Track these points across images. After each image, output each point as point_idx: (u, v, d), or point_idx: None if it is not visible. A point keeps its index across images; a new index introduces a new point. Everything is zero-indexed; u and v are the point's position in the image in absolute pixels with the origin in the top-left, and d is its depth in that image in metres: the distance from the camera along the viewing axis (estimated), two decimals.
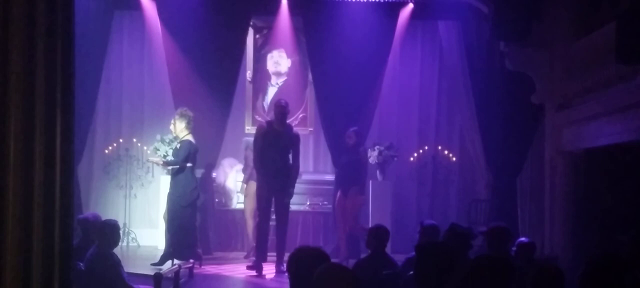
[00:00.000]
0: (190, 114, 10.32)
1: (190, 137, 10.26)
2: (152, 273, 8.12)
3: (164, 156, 10.98)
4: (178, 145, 10.28)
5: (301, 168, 12.85)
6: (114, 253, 7.01)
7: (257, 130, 10.54)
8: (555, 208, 10.91)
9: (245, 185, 11.67)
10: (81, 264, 6.70)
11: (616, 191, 9.74)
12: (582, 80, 10.07)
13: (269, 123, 10.53)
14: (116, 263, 6.84)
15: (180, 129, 10.25)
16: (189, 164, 10.20)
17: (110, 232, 6.92)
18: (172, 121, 10.41)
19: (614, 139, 9.15)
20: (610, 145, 9.37)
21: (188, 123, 10.24)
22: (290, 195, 10.40)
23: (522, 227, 11.51)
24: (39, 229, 3.54)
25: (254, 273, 10.10)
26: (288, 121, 10.77)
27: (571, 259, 9.62)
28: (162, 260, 9.89)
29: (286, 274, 4.45)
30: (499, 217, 10.70)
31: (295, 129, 10.79)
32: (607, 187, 9.95)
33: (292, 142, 10.28)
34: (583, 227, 10.18)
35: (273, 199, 10.31)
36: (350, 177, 11.35)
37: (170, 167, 10.36)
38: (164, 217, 10.56)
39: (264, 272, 10.17)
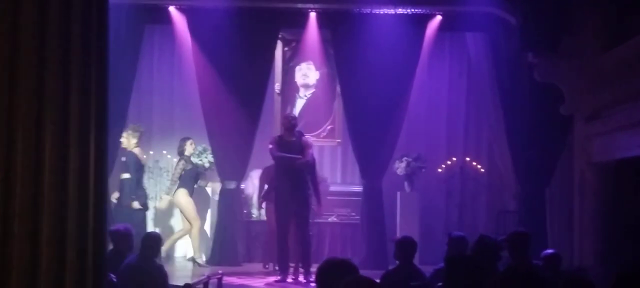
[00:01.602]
0: (142, 129, 11.62)
1: (137, 150, 11.44)
2: (181, 283, 8.18)
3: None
4: (124, 158, 11.38)
5: (329, 180, 12.98)
6: (162, 265, 7.07)
7: (271, 142, 10.55)
8: (585, 219, 10.84)
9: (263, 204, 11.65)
10: (113, 276, 6.77)
11: None
12: (611, 91, 10.02)
13: (279, 136, 10.54)
14: (165, 274, 6.90)
15: (132, 143, 11.41)
16: (126, 175, 11.23)
17: (152, 242, 7.00)
18: (125, 135, 11.43)
19: None
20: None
21: (139, 138, 11.52)
22: (308, 205, 10.39)
23: (551, 238, 11.44)
24: (72, 242, 3.60)
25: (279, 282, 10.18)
26: (316, 132, 10.79)
27: (601, 271, 9.54)
28: None
29: (313, 286, 4.47)
30: (527, 228, 10.55)
31: (305, 136, 10.78)
32: (637, 198, 9.87)
33: (302, 147, 10.28)
34: (613, 238, 10.11)
35: (293, 211, 10.30)
36: None
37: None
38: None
39: (289, 281, 10.23)
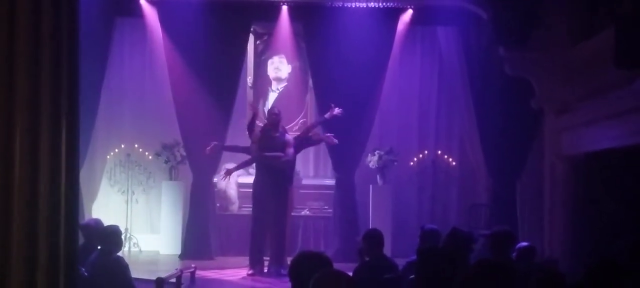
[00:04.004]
0: None
1: None
2: (154, 277, 8.17)
3: (166, 161, 11.20)
4: None
5: (301, 174, 12.99)
6: (121, 257, 7.03)
7: (252, 136, 10.56)
8: (555, 212, 10.95)
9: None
10: (83, 270, 6.73)
11: (615, 195, 9.78)
12: (581, 84, 10.12)
13: (263, 129, 10.56)
14: (125, 267, 6.86)
15: None
16: None
17: (112, 237, 6.93)
18: None
19: (613, 143, 9.19)
20: (609, 149, 9.40)
21: None
22: (288, 203, 10.46)
23: (521, 230, 11.53)
24: (44, 235, 3.56)
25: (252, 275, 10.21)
26: (288, 126, 10.81)
27: (570, 263, 9.65)
28: None
29: (287, 278, 4.47)
30: (499, 220, 10.72)
31: (288, 133, 10.83)
32: (607, 191, 9.98)
33: (285, 143, 10.32)
34: (582, 230, 10.21)
35: (271, 208, 10.33)
36: None
37: None
38: None
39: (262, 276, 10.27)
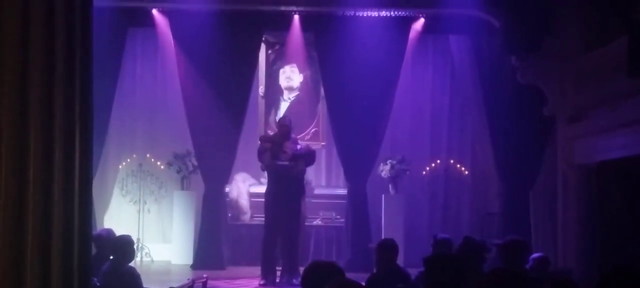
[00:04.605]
0: None
1: None
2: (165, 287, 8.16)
3: (178, 171, 11.11)
4: None
5: (314, 183, 12.97)
6: (134, 267, 7.03)
7: (262, 139, 10.56)
8: (568, 220, 10.90)
9: None
10: (96, 280, 6.73)
11: (628, 203, 9.73)
12: (594, 93, 10.08)
13: (274, 140, 10.52)
14: (136, 277, 6.86)
15: None
16: None
17: (124, 247, 6.92)
18: None
19: (626, 152, 9.15)
20: (622, 158, 9.36)
21: None
22: (300, 214, 10.43)
23: (535, 239, 11.48)
24: (57, 246, 3.57)
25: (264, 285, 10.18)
26: (300, 135, 10.79)
27: (583, 272, 9.60)
28: None
29: None
30: (511, 230, 10.65)
31: (300, 143, 10.81)
32: (619, 199, 9.94)
33: (297, 153, 10.30)
34: (595, 239, 10.16)
35: (283, 219, 10.31)
36: None
37: None
38: None
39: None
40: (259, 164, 10.60)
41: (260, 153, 10.38)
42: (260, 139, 10.84)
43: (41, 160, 3.55)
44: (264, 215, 10.60)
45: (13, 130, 3.50)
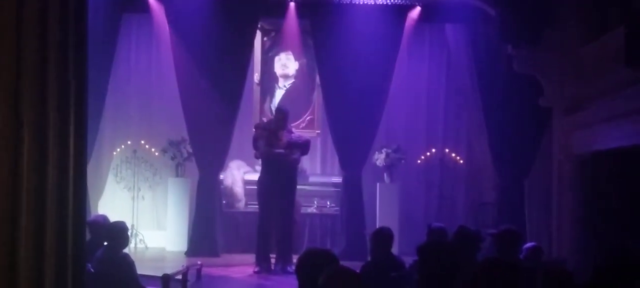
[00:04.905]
0: None
1: None
2: (160, 274, 8.16)
3: (172, 158, 11.04)
4: None
5: (308, 171, 12.96)
6: (128, 254, 7.03)
7: (257, 133, 10.55)
8: (563, 210, 10.91)
9: None
10: (90, 266, 6.72)
11: (624, 194, 9.73)
12: (591, 83, 10.07)
13: (269, 128, 10.50)
14: (131, 264, 6.86)
15: None
16: None
17: (119, 233, 6.92)
18: None
19: (622, 143, 9.15)
20: (618, 148, 9.36)
21: None
22: (294, 201, 10.45)
23: (529, 229, 11.50)
24: (51, 232, 3.57)
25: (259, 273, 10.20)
26: (295, 123, 10.78)
27: (578, 261, 9.61)
28: None
29: (293, 276, 4.45)
30: (506, 219, 10.67)
31: (295, 132, 10.82)
32: (615, 190, 9.94)
33: (292, 141, 10.31)
34: (590, 230, 10.16)
35: (277, 206, 10.32)
36: None
37: None
38: None
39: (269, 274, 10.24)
40: (254, 152, 10.60)
41: (255, 141, 10.37)
42: (256, 127, 10.83)
43: (35, 147, 3.54)
44: (258, 203, 10.60)
45: (6, 116, 3.48)
